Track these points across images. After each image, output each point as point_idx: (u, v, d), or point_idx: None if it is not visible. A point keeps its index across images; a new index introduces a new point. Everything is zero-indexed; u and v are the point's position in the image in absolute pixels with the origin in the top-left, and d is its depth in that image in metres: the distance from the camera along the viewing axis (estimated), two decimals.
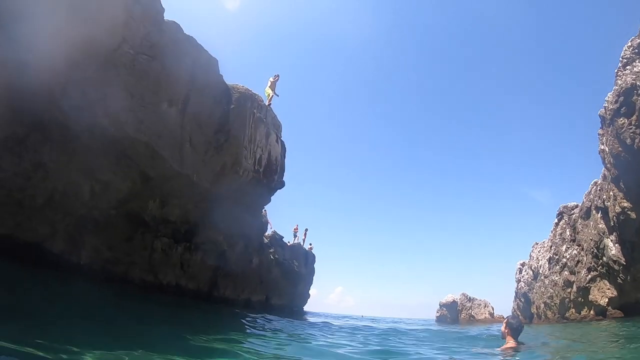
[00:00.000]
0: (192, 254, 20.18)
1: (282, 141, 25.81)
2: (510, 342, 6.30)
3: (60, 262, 13.03)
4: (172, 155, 16.43)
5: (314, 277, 37.14)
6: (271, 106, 19.39)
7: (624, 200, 18.43)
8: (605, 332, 13.23)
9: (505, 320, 6.67)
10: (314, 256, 36.52)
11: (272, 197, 26.91)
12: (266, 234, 29.45)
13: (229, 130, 19.41)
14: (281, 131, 25.60)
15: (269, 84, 18.60)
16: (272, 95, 19.31)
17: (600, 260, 22.19)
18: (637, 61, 16.47)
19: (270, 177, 24.22)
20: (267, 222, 28.86)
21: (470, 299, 44.77)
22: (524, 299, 36.60)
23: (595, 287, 23.16)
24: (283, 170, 26.45)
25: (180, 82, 16.25)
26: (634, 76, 16.05)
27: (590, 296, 23.45)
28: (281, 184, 26.60)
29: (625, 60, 17.28)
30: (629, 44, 17.44)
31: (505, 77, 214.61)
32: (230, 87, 19.66)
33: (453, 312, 43.39)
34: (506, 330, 6.40)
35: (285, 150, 26.45)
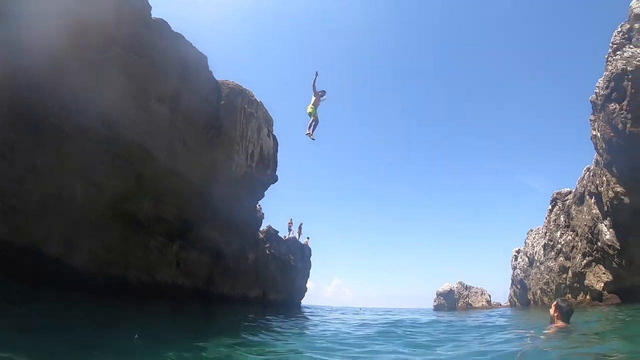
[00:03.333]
0: (187, 251, 20.42)
1: (274, 135, 25.99)
2: (560, 323, 6.00)
3: (58, 267, 13.17)
4: (164, 153, 16.62)
5: (310, 271, 37.58)
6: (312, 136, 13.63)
7: (617, 185, 18.83)
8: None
9: (555, 303, 6.24)
10: (309, 250, 36.90)
11: (266, 192, 27.19)
12: (261, 229, 29.70)
13: (220, 126, 19.60)
14: (273, 125, 25.77)
15: (312, 100, 12.85)
16: (313, 121, 13.53)
17: (595, 246, 22.64)
18: (627, 47, 16.79)
19: (263, 171, 24.46)
20: (261, 217, 29.09)
21: (467, 287, 45.46)
22: (520, 286, 37.27)
23: (590, 272, 23.66)
24: (276, 164, 26.68)
25: (170, 80, 16.42)
26: (624, 62, 16.38)
27: (586, 281, 23.95)
28: (274, 178, 26.82)
29: (615, 46, 17.60)
30: (619, 29, 17.73)
31: (500, 68, 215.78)
32: (220, 83, 19.82)
33: (450, 301, 44.01)
34: (556, 314, 6.04)
35: (277, 145, 26.64)
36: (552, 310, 6.14)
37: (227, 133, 20.16)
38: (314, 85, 12.09)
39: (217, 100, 19.49)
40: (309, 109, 12.19)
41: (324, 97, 12.35)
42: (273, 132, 25.90)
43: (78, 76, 12.25)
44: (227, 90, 20.15)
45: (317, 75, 12.03)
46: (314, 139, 12.38)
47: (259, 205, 28.92)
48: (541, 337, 6.32)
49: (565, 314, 6.00)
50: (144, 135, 15.36)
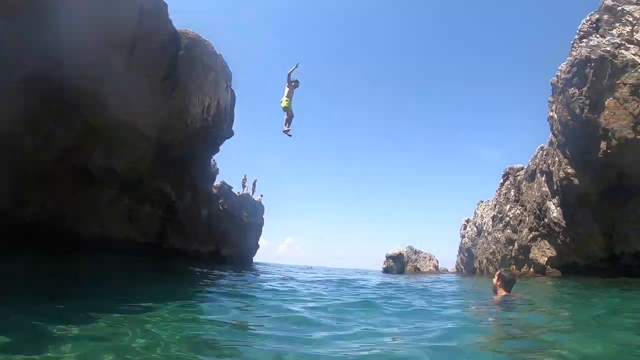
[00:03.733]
0: (139, 205, 20.37)
1: (232, 90, 25.85)
2: (502, 292, 6.32)
3: (6, 222, 12.92)
4: (117, 103, 16.25)
5: (263, 228, 38.10)
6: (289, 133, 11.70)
7: (569, 167, 20.05)
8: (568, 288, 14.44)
9: (498, 273, 6.58)
10: (263, 207, 37.24)
11: (222, 147, 27.19)
12: (215, 184, 29.68)
13: (177, 77, 19.32)
14: (231, 79, 25.52)
15: (286, 91, 11.43)
16: (288, 117, 11.85)
17: (542, 222, 24.23)
18: (593, 35, 17.51)
19: (219, 126, 24.35)
20: (215, 172, 29.01)
21: (416, 252, 47.50)
22: (467, 254, 39.40)
23: (535, 246, 25.40)
24: (232, 119, 26.72)
25: (126, 27, 15.94)
26: (589, 49, 17.12)
27: (531, 254, 25.71)
28: (230, 133, 26.87)
29: (582, 33, 18.31)
30: (588, 18, 18.44)
31: (466, 41, 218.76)
32: (179, 32, 19.31)
33: (399, 264, 45.79)
34: (498, 283, 6.36)
35: (235, 99, 26.58)
36: (494, 280, 6.48)
37: (184, 84, 19.87)
38: (289, 75, 11.02)
39: (175, 51, 19.05)
40: (284, 103, 11.19)
41: (298, 87, 11.39)
42: (231, 86, 25.65)
43: (28, 21, 11.63)
44: (187, 40, 19.70)
45: (297, 66, 11.02)
46: (291, 135, 11.73)
47: (214, 160, 28.83)
48: (483, 305, 6.80)
49: (507, 284, 6.33)
50: (96, 83, 14.92)
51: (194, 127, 21.62)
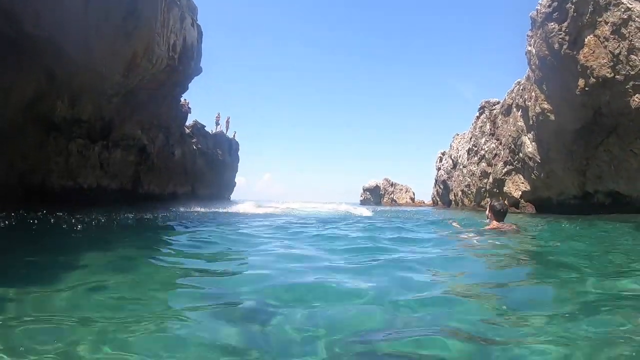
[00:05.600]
0: (110, 152, 20.34)
1: (198, 25, 25.16)
2: (495, 223, 6.58)
3: None
4: (77, 48, 15.75)
5: (239, 165, 38.49)
6: None
7: (545, 102, 20.32)
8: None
9: (489, 204, 6.93)
10: (237, 143, 37.37)
11: (191, 85, 26.98)
12: (187, 123, 29.59)
13: (139, 15, 18.54)
14: (197, 14, 24.80)
15: None
16: None
17: (517, 156, 24.96)
18: None
19: (186, 63, 23.91)
20: (187, 112, 28.83)
21: (392, 184, 48.50)
22: (443, 186, 40.54)
23: (510, 180, 26.37)
24: (200, 55, 26.27)
25: None
26: None
27: (505, 188, 26.72)
28: (198, 71, 26.58)
29: None
30: None
31: None
32: None
33: (376, 196, 47.13)
34: (490, 214, 6.71)
35: (201, 35, 25.98)
36: (487, 212, 6.89)
37: (146, 22, 19.12)
38: None
39: None
40: None
41: None
42: (197, 22, 24.97)
43: None
44: None
45: None
46: None
47: (186, 100, 28.56)
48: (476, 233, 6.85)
49: (497, 213, 6.66)
50: (51, 28, 14.38)
51: (160, 67, 21.17)
